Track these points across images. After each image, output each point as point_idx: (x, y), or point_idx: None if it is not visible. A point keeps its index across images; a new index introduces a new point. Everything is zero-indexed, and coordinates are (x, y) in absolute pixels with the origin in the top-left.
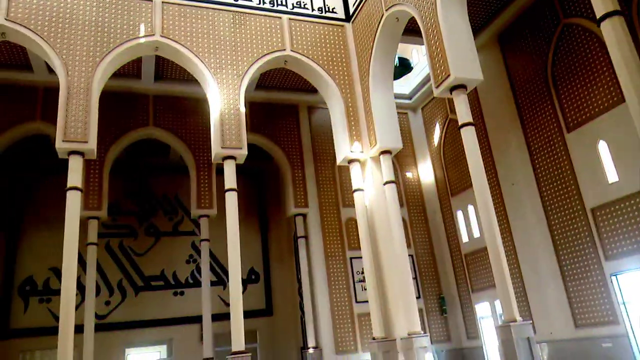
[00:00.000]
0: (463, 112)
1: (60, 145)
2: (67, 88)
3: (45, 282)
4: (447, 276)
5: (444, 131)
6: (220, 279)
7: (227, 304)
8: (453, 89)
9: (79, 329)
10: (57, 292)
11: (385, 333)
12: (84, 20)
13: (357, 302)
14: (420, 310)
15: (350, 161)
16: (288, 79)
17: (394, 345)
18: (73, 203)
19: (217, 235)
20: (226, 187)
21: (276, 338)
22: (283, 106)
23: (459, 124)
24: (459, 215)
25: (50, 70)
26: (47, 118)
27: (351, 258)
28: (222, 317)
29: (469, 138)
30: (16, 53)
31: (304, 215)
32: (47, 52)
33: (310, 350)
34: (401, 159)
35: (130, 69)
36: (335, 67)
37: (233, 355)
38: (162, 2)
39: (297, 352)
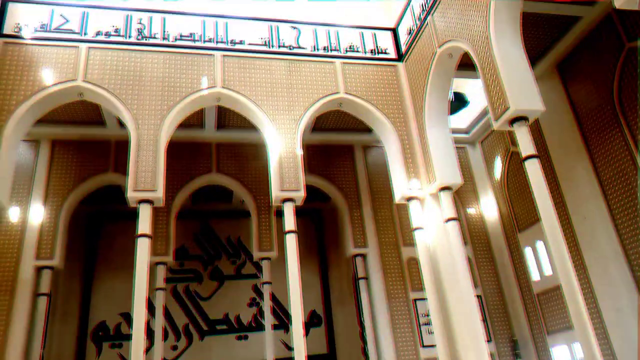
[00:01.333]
0: (525, 144)
1: (131, 194)
2: (137, 140)
3: (117, 327)
4: (518, 317)
5: (506, 164)
6: (283, 322)
7: (290, 348)
8: (513, 121)
9: None
10: (128, 337)
11: None
12: (151, 76)
13: (423, 346)
14: (491, 355)
15: (409, 199)
16: (343, 120)
17: None
18: (142, 250)
19: (278, 277)
20: (286, 229)
21: None
22: (339, 147)
23: (522, 156)
24: (528, 251)
25: (121, 125)
26: (118, 169)
27: (414, 300)
28: None
29: (534, 171)
30: (91, 110)
31: (364, 256)
32: (119, 108)
33: None
34: (462, 195)
35: (194, 120)
36: (389, 106)
37: None
38: (223, 55)
39: None
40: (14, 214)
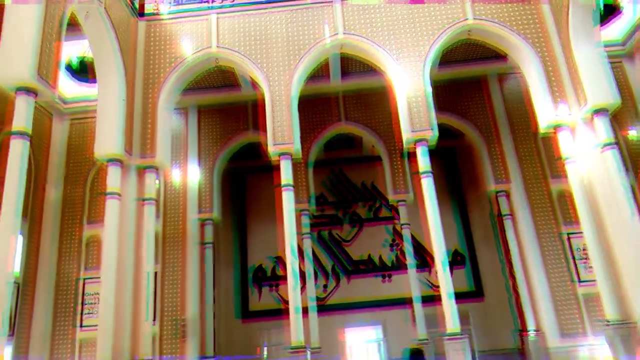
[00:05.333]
0: None
1: (271, 149)
2: (271, 98)
3: (272, 270)
4: None
5: None
6: (425, 262)
7: (434, 287)
8: None
9: (303, 311)
10: (282, 278)
11: (621, 315)
12: (277, 35)
13: (580, 281)
14: None
15: (556, 127)
16: (472, 50)
17: (635, 330)
18: (288, 199)
19: (415, 218)
20: (420, 171)
21: (489, 321)
22: (469, 80)
23: None
24: None
25: (255, 86)
26: (256, 128)
27: (568, 234)
28: (430, 299)
29: None
30: (227, 76)
31: (506, 192)
32: (251, 69)
33: (531, 334)
34: (619, 117)
35: (320, 72)
36: (526, 27)
37: (449, 337)
38: (342, 1)
39: (513, 335)
40: (176, 175)
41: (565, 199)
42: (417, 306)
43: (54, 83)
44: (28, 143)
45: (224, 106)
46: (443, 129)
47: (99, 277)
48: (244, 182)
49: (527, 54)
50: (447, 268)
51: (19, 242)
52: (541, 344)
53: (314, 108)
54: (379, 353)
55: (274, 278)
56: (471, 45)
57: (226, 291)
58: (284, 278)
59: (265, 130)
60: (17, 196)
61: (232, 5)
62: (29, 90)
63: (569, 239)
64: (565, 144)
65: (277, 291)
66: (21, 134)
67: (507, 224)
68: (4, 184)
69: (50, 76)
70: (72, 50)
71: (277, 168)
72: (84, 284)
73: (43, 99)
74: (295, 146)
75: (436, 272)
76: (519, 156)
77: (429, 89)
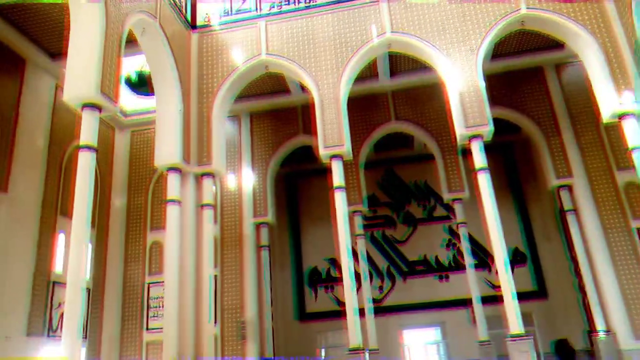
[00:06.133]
0: None
1: (322, 151)
2: (320, 101)
3: (327, 271)
4: None
5: None
6: (483, 261)
7: (494, 287)
8: None
9: (360, 312)
10: (337, 280)
11: None
12: (323, 37)
13: None
14: None
15: (621, 116)
16: (526, 40)
17: None
18: (340, 201)
19: (472, 217)
20: (476, 167)
21: (554, 321)
22: (524, 71)
23: None
24: None
25: (303, 89)
26: (306, 131)
27: (638, 229)
28: (490, 299)
29: None
30: (277, 81)
31: (569, 187)
32: (300, 73)
33: (601, 335)
34: None
35: (367, 72)
36: (583, 13)
37: (512, 338)
38: (388, 1)
39: (581, 336)
40: (231, 181)
41: (635, 191)
42: (478, 307)
43: (115, 98)
44: (94, 155)
45: (275, 111)
46: (499, 123)
47: (163, 281)
48: (297, 185)
49: (586, 41)
50: (508, 267)
51: (89, 249)
52: (613, 345)
53: (363, 108)
54: (438, 355)
55: (329, 280)
56: (525, 35)
57: (283, 293)
58: (339, 279)
59: (316, 133)
60: (86, 206)
61: (280, 12)
62: (93, 106)
63: (639, 233)
64: (632, 134)
65: (332, 293)
66: (88, 148)
67: (571, 219)
68: (74, 194)
69: (112, 91)
70: (131, 65)
71: (329, 170)
72: (148, 288)
73: (106, 113)
74: (346, 148)
75: (496, 272)
76: (581, 148)
77: (482, 83)
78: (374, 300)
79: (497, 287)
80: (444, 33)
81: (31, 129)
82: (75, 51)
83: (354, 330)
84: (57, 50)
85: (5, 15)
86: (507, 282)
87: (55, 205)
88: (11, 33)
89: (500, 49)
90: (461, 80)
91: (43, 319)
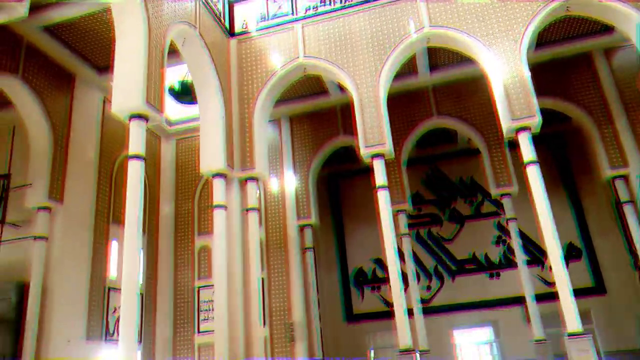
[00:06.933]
0: None
1: (363, 151)
2: (359, 100)
3: (373, 272)
4: None
5: None
6: (536, 257)
7: (548, 284)
8: None
9: (408, 313)
10: (383, 280)
11: None
12: (360, 36)
13: None
14: None
15: None
16: (572, 26)
17: None
18: (383, 200)
19: (523, 212)
20: (525, 161)
21: (614, 318)
22: (571, 58)
23: None
24: None
25: (342, 90)
26: (346, 131)
27: None
28: (545, 297)
29: None
30: (315, 83)
31: (625, 177)
32: (338, 73)
33: None
34: None
35: (406, 69)
36: None
37: (571, 337)
38: None
39: None
40: (274, 184)
41: None
42: (532, 304)
43: (161, 107)
44: (143, 164)
45: (314, 113)
46: (547, 114)
47: (212, 285)
48: (339, 185)
49: (638, 22)
50: (563, 263)
51: (141, 255)
52: None
53: (404, 105)
54: (492, 355)
55: (375, 280)
56: (570, 21)
57: (329, 295)
58: (385, 280)
59: (356, 134)
60: (137, 214)
61: (315, 14)
62: (140, 116)
63: None
64: None
65: (379, 293)
66: (137, 157)
67: (628, 211)
68: (124, 202)
69: (157, 101)
70: (174, 75)
71: (371, 170)
72: (198, 292)
73: (152, 123)
74: (388, 146)
75: (550, 268)
76: (637, 136)
77: (528, 73)
78: (423, 300)
79: (551, 284)
80: (485, 24)
81: (82, 142)
82: (121, 64)
83: (403, 331)
84: (103, 65)
85: (55, 34)
86: (563, 278)
87: (107, 214)
88: (61, 50)
89: (545, 37)
90: (505, 71)
91: (100, 324)
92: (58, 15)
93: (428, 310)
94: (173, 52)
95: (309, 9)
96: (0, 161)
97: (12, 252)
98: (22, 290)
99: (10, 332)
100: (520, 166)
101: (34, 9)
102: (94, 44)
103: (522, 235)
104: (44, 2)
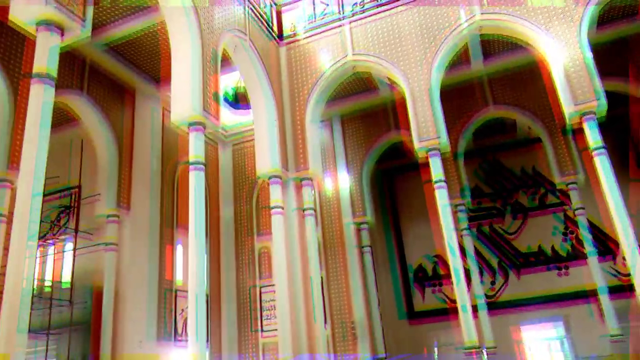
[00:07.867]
0: None
1: (418, 146)
2: (411, 95)
3: (433, 269)
4: None
5: None
6: (607, 249)
7: (622, 276)
8: None
9: (472, 309)
10: (444, 277)
11: None
12: (409, 30)
13: None
14: None
15: None
16: (634, 2)
17: None
18: (441, 195)
19: (591, 201)
20: (591, 147)
21: None
22: (636, 36)
23: None
24: None
25: (391, 86)
26: (398, 127)
27: None
28: (618, 289)
29: None
30: (364, 81)
31: None
32: (388, 69)
33: None
34: None
35: (458, 59)
36: None
37: None
38: None
39: None
40: (328, 184)
41: None
42: (604, 298)
43: (216, 115)
44: (203, 170)
45: (365, 111)
46: (612, 97)
47: (272, 285)
48: (394, 182)
49: None
50: (638, 253)
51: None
52: None
53: (457, 97)
54: (562, 351)
55: (436, 277)
56: None
57: (389, 293)
58: (446, 277)
59: (407, 129)
60: (201, 218)
61: (362, 12)
62: (198, 124)
63: None
64: None
65: (440, 291)
66: (197, 164)
67: None
68: (187, 207)
69: (213, 109)
70: (227, 82)
71: (426, 164)
72: (260, 292)
73: (210, 130)
74: (442, 140)
75: (623, 259)
76: None
77: (589, 54)
78: (487, 297)
79: (625, 276)
80: (541, 7)
81: (145, 151)
82: (177, 76)
83: (467, 328)
84: (161, 77)
85: (115, 51)
86: (637, 269)
87: (171, 219)
88: (122, 67)
89: (607, 16)
90: (565, 54)
91: (169, 325)
92: (116, 32)
93: (493, 307)
94: (226, 59)
95: (356, 5)
96: (71, 174)
97: (87, 260)
98: (97, 295)
99: (88, 335)
100: (585, 152)
101: (94, 28)
102: (151, 58)
103: (591, 226)
104: (102, 22)
